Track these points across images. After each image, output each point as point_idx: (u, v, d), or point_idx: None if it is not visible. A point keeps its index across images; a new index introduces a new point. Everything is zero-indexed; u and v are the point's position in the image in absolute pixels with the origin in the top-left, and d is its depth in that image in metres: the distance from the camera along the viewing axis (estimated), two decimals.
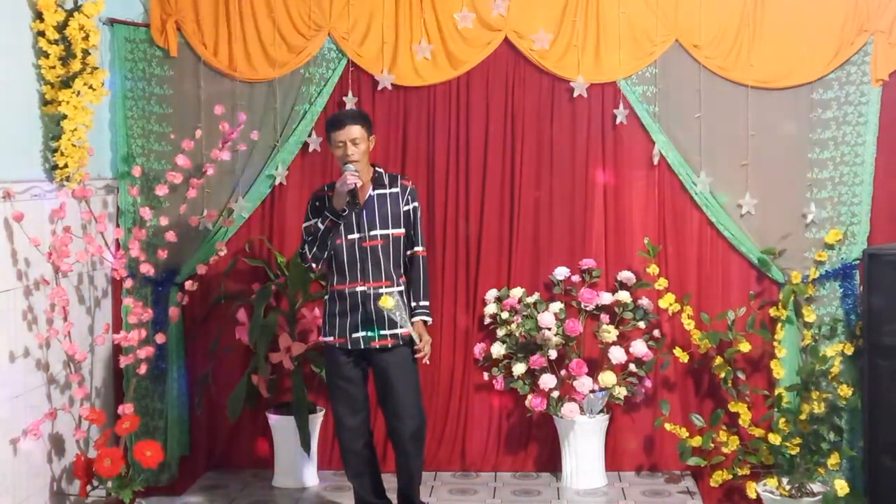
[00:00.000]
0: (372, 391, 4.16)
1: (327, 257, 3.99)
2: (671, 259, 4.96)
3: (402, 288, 4.03)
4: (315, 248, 3.96)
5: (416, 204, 4.09)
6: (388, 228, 3.99)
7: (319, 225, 3.93)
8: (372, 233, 3.98)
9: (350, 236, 3.98)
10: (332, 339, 4.03)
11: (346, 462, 4.16)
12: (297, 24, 4.97)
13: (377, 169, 4.10)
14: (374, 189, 4.02)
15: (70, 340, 4.30)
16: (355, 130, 3.94)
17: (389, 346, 3.99)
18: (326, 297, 4.08)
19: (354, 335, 3.99)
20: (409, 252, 4.09)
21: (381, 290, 3.96)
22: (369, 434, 4.19)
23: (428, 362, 4.13)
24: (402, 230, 4.03)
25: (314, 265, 4.02)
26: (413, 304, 4.06)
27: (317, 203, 4.03)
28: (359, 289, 3.98)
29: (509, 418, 5.13)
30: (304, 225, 4.05)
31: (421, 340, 4.02)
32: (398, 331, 3.98)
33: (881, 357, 4.14)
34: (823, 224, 4.77)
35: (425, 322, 4.09)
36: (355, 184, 3.86)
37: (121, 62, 4.95)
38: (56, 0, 4.21)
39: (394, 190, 4.05)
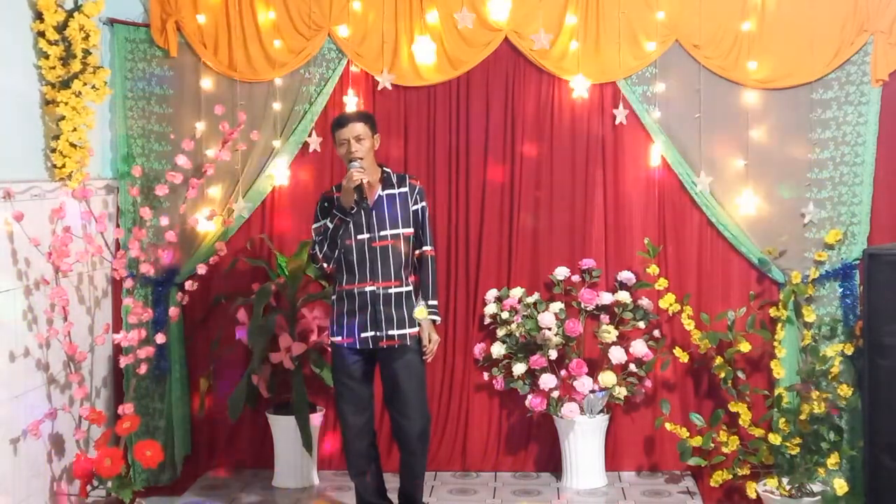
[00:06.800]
0: (377, 390, 4.16)
1: (337, 256, 3.99)
2: (671, 259, 4.96)
3: (410, 288, 4.04)
4: (326, 248, 3.97)
5: (424, 203, 4.09)
6: (397, 228, 4.00)
7: (329, 224, 3.94)
8: (382, 233, 3.98)
9: (360, 236, 3.98)
10: (340, 338, 4.02)
11: (350, 461, 4.16)
12: (296, 24, 4.97)
13: (385, 169, 4.10)
14: (383, 189, 4.03)
15: (70, 340, 4.30)
16: (358, 128, 3.96)
17: (397, 345, 3.99)
18: (334, 296, 4.08)
19: (363, 335, 3.98)
20: (417, 251, 4.10)
21: (390, 290, 3.97)
22: (373, 433, 4.21)
23: (430, 360, 4.14)
24: (412, 230, 4.04)
25: (326, 265, 4.03)
26: (422, 303, 4.07)
27: (325, 204, 4.04)
28: (368, 289, 3.98)
29: (509, 418, 5.12)
30: (313, 226, 4.06)
31: (430, 341, 4.04)
32: (406, 331, 3.98)
33: (881, 357, 4.14)
34: (823, 224, 4.77)
35: (434, 321, 4.10)
36: (361, 179, 3.87)
37: (121, 62, 4.95)
38: (56, 0, 4.22)
39: (402, 190, 4.05)
